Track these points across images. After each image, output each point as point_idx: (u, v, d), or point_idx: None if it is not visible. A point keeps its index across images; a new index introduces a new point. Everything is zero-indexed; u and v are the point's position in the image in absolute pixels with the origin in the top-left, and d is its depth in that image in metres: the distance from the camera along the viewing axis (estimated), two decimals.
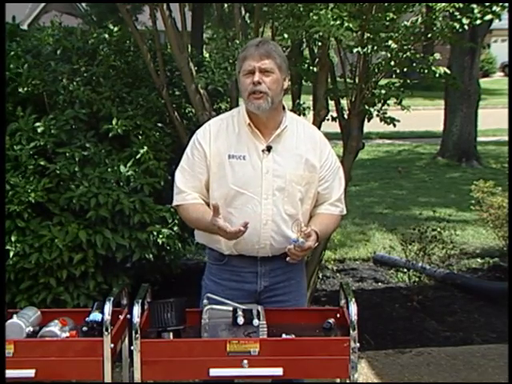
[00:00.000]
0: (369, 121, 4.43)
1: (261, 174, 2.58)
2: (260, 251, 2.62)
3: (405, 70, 4.24)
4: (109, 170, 4.04)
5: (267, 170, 2.58)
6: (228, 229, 2.45)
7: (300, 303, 2.77)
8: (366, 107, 4.27)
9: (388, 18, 3.95)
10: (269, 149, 2.59)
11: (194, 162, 2.63)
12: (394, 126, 4.38)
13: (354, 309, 2.33)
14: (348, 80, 4.41)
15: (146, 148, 4.14)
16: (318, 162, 2.65)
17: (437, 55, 4.19)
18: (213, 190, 2.61)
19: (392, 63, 4.09)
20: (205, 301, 2.43)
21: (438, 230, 5.10)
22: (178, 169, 2.68)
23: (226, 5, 5.02)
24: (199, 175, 2.61)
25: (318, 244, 2.59)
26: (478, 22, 3.83)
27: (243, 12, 4.38)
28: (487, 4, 3.82)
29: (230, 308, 2.37)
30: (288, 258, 2.54)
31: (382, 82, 4.34)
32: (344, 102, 4.47)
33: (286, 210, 2.60)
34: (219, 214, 2.46)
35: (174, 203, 2.69)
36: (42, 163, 3.95)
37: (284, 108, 2.68)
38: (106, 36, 4.84)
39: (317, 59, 4.46)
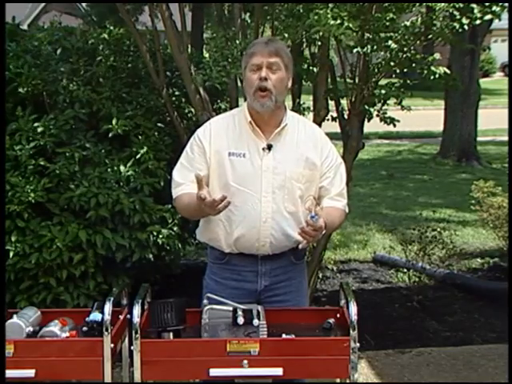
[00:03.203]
0: (369, 121, 4.43)
1: (260, 172, 2.58)
2: (260, 249, 2.62)
3: (405, 70, 4.24)
4: (109, 170, 4.04)
5: (267, 167, 2.59)
6: (207, 199, 2.37)
7: (301, 303, 2.77)
8: (366, 107, 4.27)
9: (388, 18, 3.95)
10: (269, 147, 2.60)
11: (194, 158, 2.62)
12: (394, 125, 4.38)
13: (353, 309, 2.33)
14: (348, 80, 4.41)
15: (145, 148, 4.15)
16: (318, 160, 2.66)
17: (437, 55, 4.18)
18: (213, 188, 2.60)
19: (392, 63, 4.09)
20: (205, 301, 2.43)
21: (438, 230, 5.11)
22: (177, 165, 2.68)
23: (225, 5, 5.03)
24: (198, 171, 2.58)
25: (324, 235, 2.58)
26: (478, 21, 3.83)
27: (243, 13, 4.38)
28: (487, 4, 3.82)
29: (230, 308, 2.36)
30: (301, 240, 2.48)
31: (382, 81, 4.34)
32: (344, 102, 4.47)
33: (287, 208, 2.60)
34: (203, 188, 2.41)
35: (173, 196, 2.66)
36: (42, 163, 3.94)
37: (285, 107, 2.69)
38: (106, 36, 4.84)
39: (317, 59, 4.46)
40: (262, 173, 2.58)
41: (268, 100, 2.55)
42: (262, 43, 2.60)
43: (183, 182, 2.62)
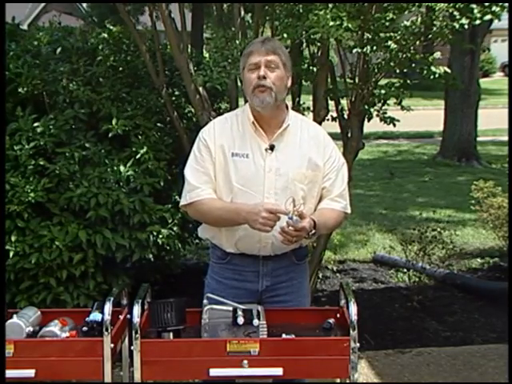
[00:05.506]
0: (369, 121, 4.43)
1: (263, 173, 2.58)
2: (261, 250, 2.61)
3: (405, 70, 4.24)
4: (109, 170, 4.04)
5: (270, 168, 2.58)
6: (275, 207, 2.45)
7: (302, 303, 2.77)
8: (366, 107, 4.27)
9: (388, 18, 3.95)
10: (272, 148, 2.59)
11: (203, 158, 2.62)
12: (394, 125, 4.38)
13: (353, 309, 2.33)
14: (348, 80, 4.41)
15: (145, 148, 4.14)
16: (321, 161, 2.65)
17: (437, 54, 4.18)
18: (219, 187, 2.61)
19: (392, 63, 4.09)
20: (205, 301, 2.43)
21: (438, 230, 5.10)
22: (187, 167, 2.67)
23: (225, 5, 5.03)
24: (209, 171, 2.60)
25: (315, 235, 2.55)
26: (478, 22, 3.83)
27: (242, 12, 4.38)
28: (487, 4, 3.82)
29: (230, 308, 2.36)
30: (281, 239, 2.48)
31: (382, 81, 4.34)
32: (344, 102, 4.47)
33: None
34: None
35: (188, 200, 2.62)
36: (42, 163, 3.95)
37: (287, 107, 2.69)
38: (106, 36, 4.84)
39: (316, 59, 4.46)
40: (265, 174, 2.58)
41: (268, 96, 2.53)
42: (259, 42, 2.61)
43: (199, 186, 2.60)
